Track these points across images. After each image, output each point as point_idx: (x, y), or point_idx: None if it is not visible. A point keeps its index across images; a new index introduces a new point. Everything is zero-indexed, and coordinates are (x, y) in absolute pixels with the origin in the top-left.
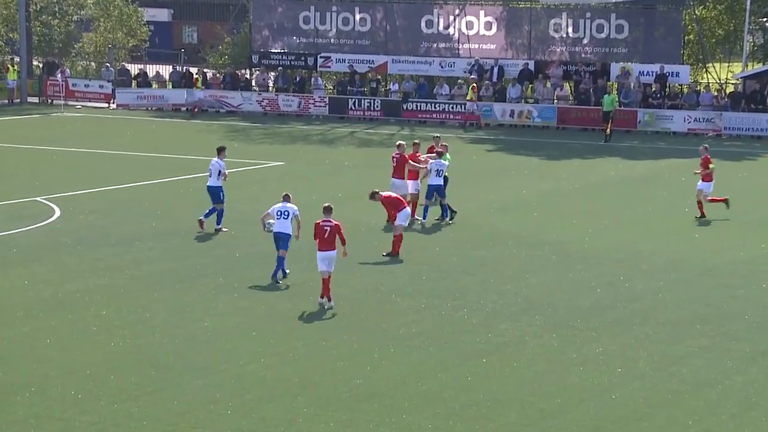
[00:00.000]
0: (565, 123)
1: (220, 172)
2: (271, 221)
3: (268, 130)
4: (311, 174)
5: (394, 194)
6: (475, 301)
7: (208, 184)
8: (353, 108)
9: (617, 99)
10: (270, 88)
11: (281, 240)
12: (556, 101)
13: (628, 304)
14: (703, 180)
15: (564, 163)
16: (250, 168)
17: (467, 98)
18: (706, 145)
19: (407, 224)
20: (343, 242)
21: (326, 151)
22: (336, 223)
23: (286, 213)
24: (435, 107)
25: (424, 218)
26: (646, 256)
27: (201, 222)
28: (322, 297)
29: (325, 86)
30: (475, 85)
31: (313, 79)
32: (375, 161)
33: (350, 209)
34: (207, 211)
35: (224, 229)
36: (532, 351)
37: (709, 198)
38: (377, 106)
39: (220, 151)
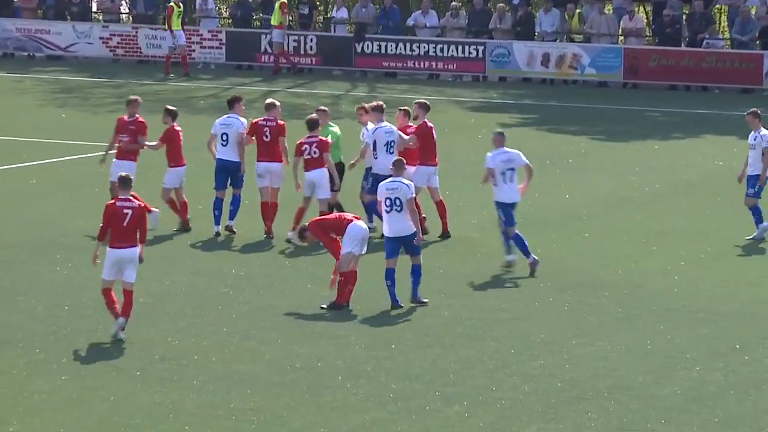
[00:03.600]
0: (637, 76)
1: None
2: None
3: (120, 90)
4: (198, 169)
5: (327, 215)
6: (482, 390)
7: (222, 157)
8: (268, 51)
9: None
10: (123, 18)
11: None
12: (621, 39)
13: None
14: None
15: (635, 147)
16: (85, 156)
17: (272, 22)
18: None
19: (359, 249)
20: (143, 237)
21: None
22: (141, 203)
23: (398, 203)
24: (413, 49)
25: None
26: None
27: (231, 228)
28: (118, 316)
29: (220, 12)
30: (284, 1)
31: (198, 1)
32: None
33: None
34: (231, 208)
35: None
36: None
37: None
38: (311, 49)
39: (234, 103)
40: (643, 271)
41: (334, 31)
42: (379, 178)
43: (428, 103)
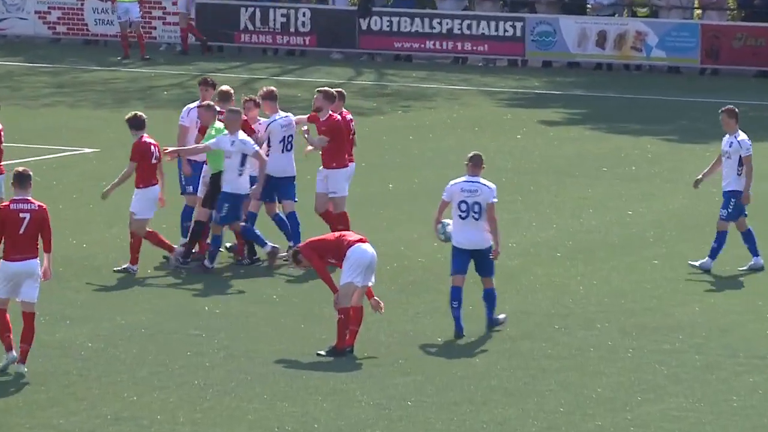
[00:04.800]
0: (717, 60)
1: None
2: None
3: (62, 77)
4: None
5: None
6: None
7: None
8: (249, 29)
9: None
10: None
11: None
12: (698, 13)
13: None
14: None
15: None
16: (15, 161)
17: None
18: None
19: (362, 279)
20: (48, 247)
21: None
22: (40, 204)
23: (477, 208)
24: (433, 26)
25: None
26: None
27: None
28: (11, 349)
29: None
30: None
31: None
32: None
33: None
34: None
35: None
36: None
37: None
38: (303, 25)
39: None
40: (728, 310)
41: (333, 3)
42: (271, 181)
43: (334, 92)
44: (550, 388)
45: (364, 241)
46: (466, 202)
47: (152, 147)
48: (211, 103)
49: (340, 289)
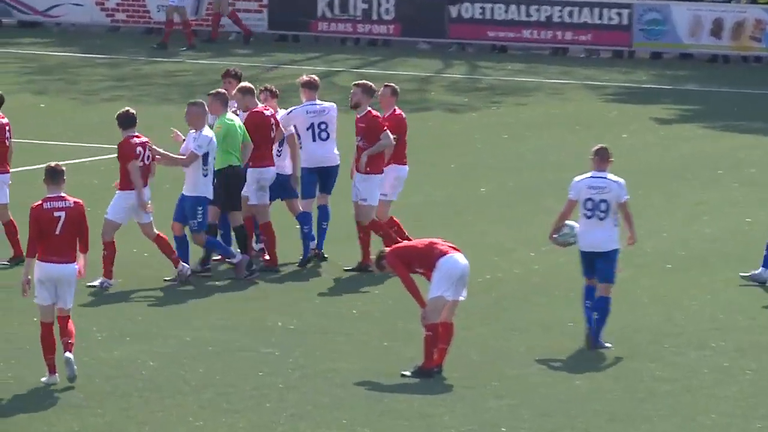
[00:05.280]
0: None
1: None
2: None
3: (121, 70)
4: None
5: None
6: None
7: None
8: (327, 17)
9: None
10: None
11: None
12: None
13: None
14: None
15: None
16: (74, 161)
17: None
18: None
19: (453, 292)
20: (85, 247)
21: None
22: (76, 201)
23: (603, 207)
24: (530, 14)
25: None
26: None
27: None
28: (51, 373)
29: None
30: None
31: None
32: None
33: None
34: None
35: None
36: None
37: None
38: (387, 12)
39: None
40: None
41: None
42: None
43: (373, 85)
44: (660, 413)
45: (455, 251)
46: (592, 200)
47: (138, 148)
48: (222, 90)
49: (428, 303)
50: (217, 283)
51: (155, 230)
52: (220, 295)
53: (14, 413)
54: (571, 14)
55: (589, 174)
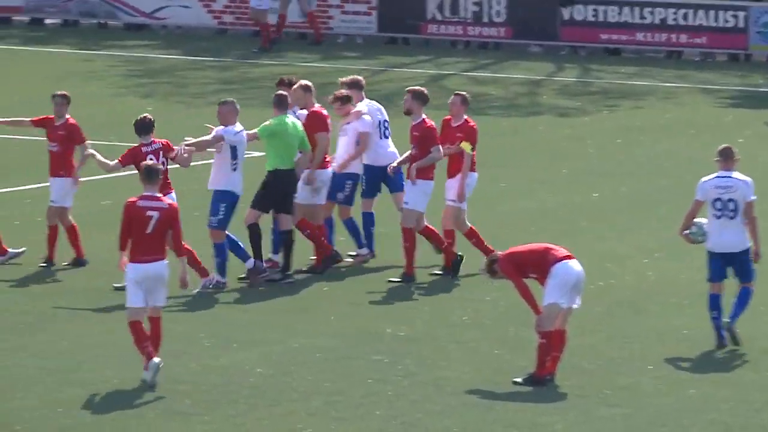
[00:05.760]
0: None
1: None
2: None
3: (228, 73)
4: None
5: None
6: None
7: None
8: (437, 19)
9: None
10: None
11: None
12: None
13: None
14: None
15: None
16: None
17: None
18: None
19: (568, 300)
20: (180, 250)
21: None
22: (170, 203)
23: (732, 206)
24: (643, 16)
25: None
26: None
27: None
28: (149, 363)
29: None
30: None
31: None
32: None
33: None
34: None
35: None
36: None
37: None
38: (498, 15)
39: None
40: None
41: None
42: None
43: (425, 91)
44: None
45: (570, 258)
46: (720, 200)
47: (149, 156)
48: (308, 83)
49: (543, 310)
50: (324, 288)
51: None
52: (328, 302)
53: (121, 419)
54: (685, 16)
55: (715, 174)
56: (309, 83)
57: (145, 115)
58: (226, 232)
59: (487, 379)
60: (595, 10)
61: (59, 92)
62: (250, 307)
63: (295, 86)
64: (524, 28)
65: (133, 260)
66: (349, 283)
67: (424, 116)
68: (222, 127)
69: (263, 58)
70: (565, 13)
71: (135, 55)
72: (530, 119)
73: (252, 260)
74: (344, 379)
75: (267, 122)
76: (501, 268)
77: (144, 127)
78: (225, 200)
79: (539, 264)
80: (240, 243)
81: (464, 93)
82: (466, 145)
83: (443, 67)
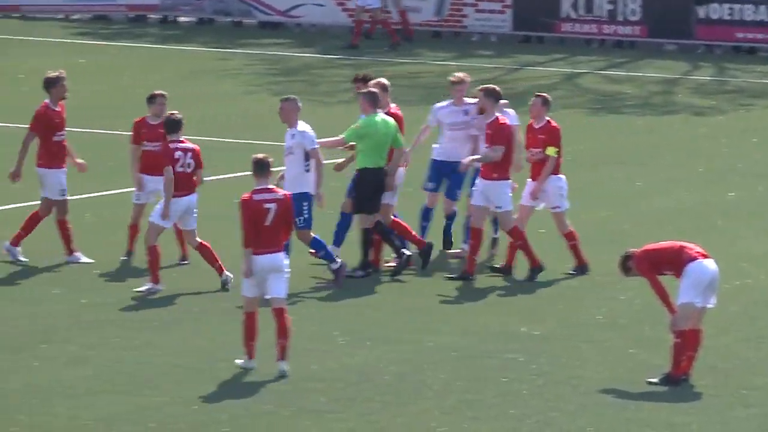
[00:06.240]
0: None
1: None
2: None
3: (362, 71)
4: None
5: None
6: None
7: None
8: (572, 17)
9: None
10: None
11: None
12: None
13: None
14: None
15: None
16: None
17: None
18: None
19: (702, 299)
20: (287, 237)
21: None
22: (285, 193)
23: None
24: None
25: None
26: None
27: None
28: (250, 358)
29: None
30: None
31: None
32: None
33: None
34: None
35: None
36: None
37: None
38: (633, 13)
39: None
40: None
41: None
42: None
43: (497, 89)
44: None
45: (705, 257)
46: None
47: (177, 153)
48: (386, 82)
49: (678, 310)
50: (456, 288)
51: (198, 239)
52: (462, 300)
53: (254, 416)
54: None
55: None
56: (387, 82)
57: (172, 113)
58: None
59: (621, 379)
60: (730, 8)
61: (159, 92)
62: (384, 306)
63: (371, 84)
64: (659, 26)
65: (255, 251)
66: (479, 282)
67: (497, 114)
68: (290, 130)
69: (397, 57)
70: (701, 11)
71: (269, 53)
72: (665, 118)
73: (339, 262)
74: (478, 377)
75: (354, 125)
76: (635, 265)
77: (171, 125)
78: (304, 200)
79: (674, 262)
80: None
81: (545, 94)
82: (551, 150)
83: (577, 65)
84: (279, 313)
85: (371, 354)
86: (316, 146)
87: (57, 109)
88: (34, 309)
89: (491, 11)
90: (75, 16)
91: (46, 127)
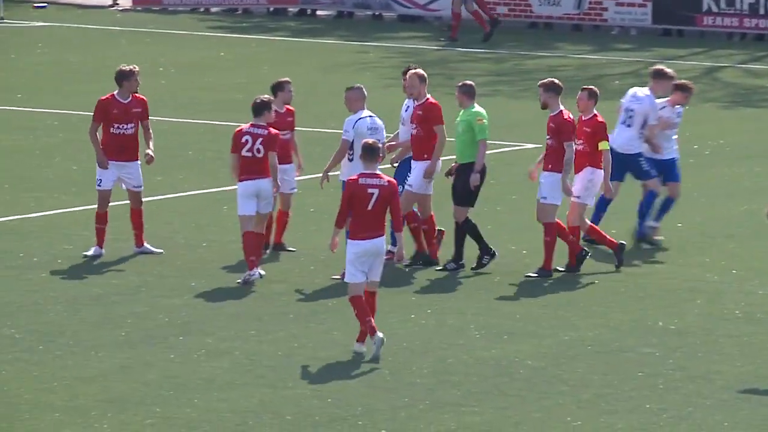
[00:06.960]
0: None
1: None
2: None
3: (501, 65)
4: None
5: None
6: None
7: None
8: (713, 11)
9: None
10: None
11: None
12: None
13: None
14: None
15: None
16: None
17: None
18: None
19: None
20: (400, 226)
21: None
22: (390, 180)
23: None
24: None
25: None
26: None
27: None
28: (375, 337)
29: None
30: None
31: None
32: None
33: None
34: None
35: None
36: None
37: None
38: None
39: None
40: None
41: None
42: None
43: (556, 82)
44: None
45: None
46: None
47: (245, 137)
48: (424, 73)
49: None
50: (595, 281)
51: (260, 227)
52: (597, 294)
53: (396, 410)
54: None
55: None
56: (424, 73)
57: (258, 96)
58: None
59: (760, 375)
60: None
61: (284, 79)
62: (521, 300)
63: (409, 74)
64: None
65: (353, 237)
66: (615, 276)
67: (561, 108)
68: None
69: (536, 50)
70: None
71: (407, 46)
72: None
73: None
74: (614, 371)
75: (480, 122)
76: None
77: (255, 108)
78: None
79: None
80: None
81: (592, 87)
82: (604, 144)
83: (718, 59)
84: (371, 296)
85: (507, 348)
86: (344, 136)
87: (124, 101)
88: (171, 301)
89: (631, 4)
90: (213, 10)
91: (104, 118)
